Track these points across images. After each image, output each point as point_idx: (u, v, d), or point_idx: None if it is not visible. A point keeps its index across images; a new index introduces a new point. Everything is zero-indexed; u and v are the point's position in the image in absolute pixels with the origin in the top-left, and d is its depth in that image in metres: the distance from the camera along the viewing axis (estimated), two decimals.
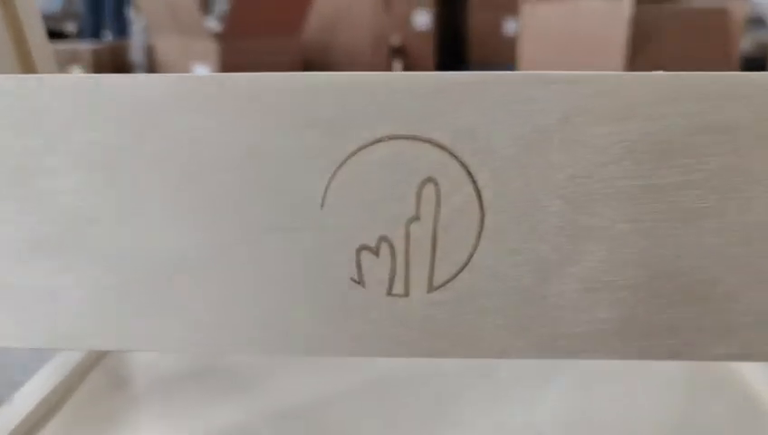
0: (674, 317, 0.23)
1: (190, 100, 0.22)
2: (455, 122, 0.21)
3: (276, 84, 0.22)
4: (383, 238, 0.23)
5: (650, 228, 0.22)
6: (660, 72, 0.21)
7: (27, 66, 0.40)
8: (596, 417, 0.42)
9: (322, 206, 0.22)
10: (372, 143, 0.22)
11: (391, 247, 0.23)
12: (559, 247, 0.22)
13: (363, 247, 0.23)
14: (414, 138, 0.22)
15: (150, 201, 0.23)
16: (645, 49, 1.96)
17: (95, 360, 0.48)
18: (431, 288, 0.23)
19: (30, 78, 0.22)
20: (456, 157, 0.22)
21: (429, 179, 0.22)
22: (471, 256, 0.22)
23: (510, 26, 2.91)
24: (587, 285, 0.22)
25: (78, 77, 0.22)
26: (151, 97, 0.22)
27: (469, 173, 0.22)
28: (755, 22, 2.36)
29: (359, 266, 0.23)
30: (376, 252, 0.23)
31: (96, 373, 0.47)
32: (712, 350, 0.23)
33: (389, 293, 0.23)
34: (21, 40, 0.39)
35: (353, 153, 0.22)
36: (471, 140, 0.22)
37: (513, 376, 0.46)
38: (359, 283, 0.23)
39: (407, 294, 0.23)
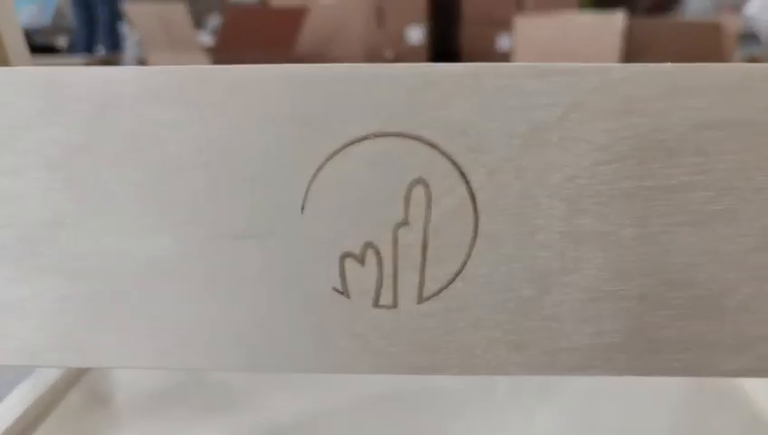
0: (684, 330, 0.21)
1: (160, 94, 0.20)
2: (446, 118, 0.20)
3: (253, 77, 0.20)
4: (369, 245, 0.21)
5: (658, 233, 0.20)
6: (669, 64, 0.19)
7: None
8: (595, 431, 0.41)
9: (303, 209, 0.21)
10: (357, 141, 0.20)
11: (378, 255, 0.21)
12: (560, 254, 0.21)
13: (347, 255, 0.21)
14: (402, 135, 0.20)
15: (116, 204, 0.21)
16: (638, 62, 1.96)
17: (76, 376, 0.47)
18: (421, 299, 0.21)
19: None
20: (447, 156, 0.20)
21: (419, 180, 0.20)
22: (464, 263, 0.21)
23: (504, 42, 2.92)
24: (590, 295, 0.21)
25: (40, 69, 0.21)
26: (119, 91, 0.20)
27: (462, 173, 0.20)
28: (748, 37, 2.38)
29: (342, 275, 0.21)
30: (361, 260, 0.21)
31: (77, 390, 0.46)
32: (726, 365, 0.21)
33: (376, 304, 0.21)
34: None
35: (336, 152, 0.20)
36: (464, 137, 0.20)
37: (511, 392, 0.45)
38: (342, 293, 0.21)
39: (395, 305, 0.21)
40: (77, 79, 0.21)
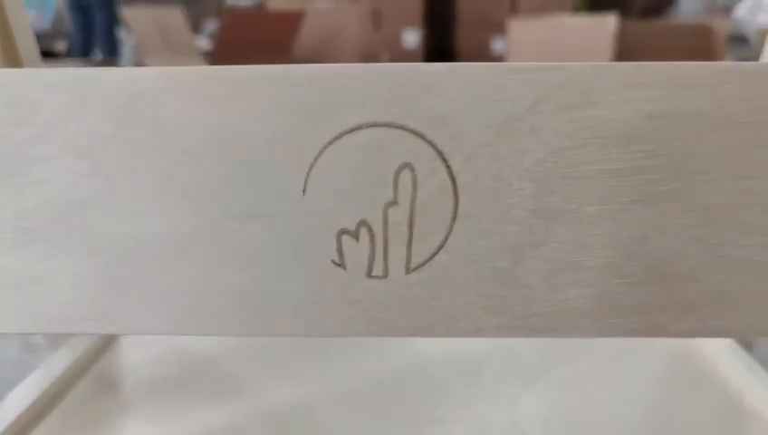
0: (639, 296, 0.24)
1: (177, 91, 0.23)
2: (429, 110, 0.23)
3: (259, 76, 0.23)
4: (362, 222, 0.24)
5: (615, 211, 0.23)
6: (622, 63, 0.22)
7: (12, 61, 0.41)
8: (577, 415, 0.43)
9: (304, 191, 0.23)
10: (351, 130, 0.23)
11: (370, 231, 0.24)
12: (530, 229, 0.23)
13: (343, 231, 0.24)
14: (391, 125, 0.23)
15: (137, 188, 0.24)
16: None
17: (85, 365, 0.49)
18: (409, 270, 0.24)
19: (28, 71, 0.24)
20: (431, 143, 0.23)
21: (406, 165, 0.23)
22: (446, 238, 0.24)
23: (498, 45, 2.95)
24: (557, 266, 0.24)
25: (71, 70, 0.23)
26: (140, 88, 0.23)
27: (444, 159, 0.23)
28: (738, 39, 2.41)
29: (339, 250, 0.24)
30: (356, 236, 0.24)
31: (86, 378, 0.48)
32: (675, 327, 0.24)
33: (369, 275, 0.24)
34: (6, 33, 0.40)
35: (333, 140, 0.23)
36: (444, 127, 0.23)
37: (496, 379, 0.47)
38: (340, 265, 0.24)
39: (385, 275, 0.24)
40: (105, 77, 0.23)
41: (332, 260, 0.24)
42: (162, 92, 0.23)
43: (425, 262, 0.24)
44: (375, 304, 0.24)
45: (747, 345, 0.51)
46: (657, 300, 0.24)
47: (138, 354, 0.52)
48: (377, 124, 0.23)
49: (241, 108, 0.23)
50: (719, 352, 0.49)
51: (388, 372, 0.48)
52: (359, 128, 0.23)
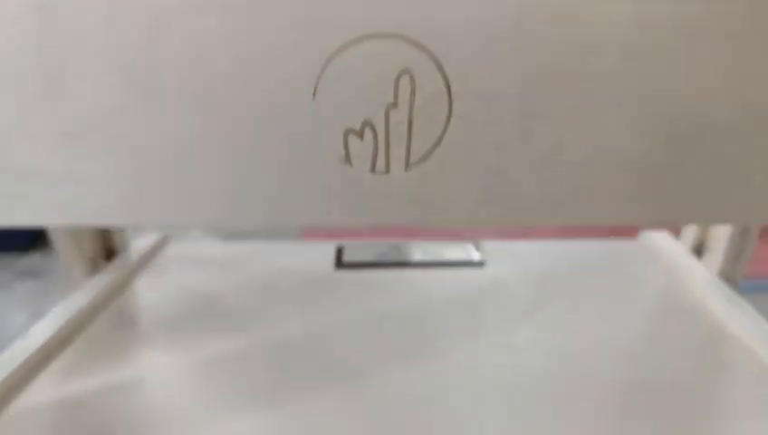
0: (613, 187, 0.26)
1: (195, 5, 0.25)
2: (426, 23, 0.25)
3: None
4: (366, 123, 0.26)
5: (591, 111, 0.26)
6: None
7: None
8: (571, 344, 0.45)
9: (314, 95, 0.26)
10: (357, 40, 0.25)
11: (373, 131, 0.26)
12: (516, 128, 0.26)
13: (349, 131, 0.26)
14: (392, 35, 0.25)
15: (163, 96, 0.26)
16: None
17: (101, 303, 0.52)
18: (408, 166, 0.27)
19: None
20: (427, 52, 0.25)
21: (405, 71, 0.26)
22: (441, 136, 0.26)
23: None
24: (540, 162, 0.26)
25: None
26: (162, 4, 0.26)
27: (439, 65, 0.25)
28: None
29: (346, 147, 0.26)
30: (360, 135, 0.26)
31: (102, 315, 0.51)
32: (645, 216, 0.26)
33: (373, 170, 0.27)
34: None
35: (341, 49, 0.25)
36: (440, 38, 0.25)
37: (494, 312, 0.50)
38: (346, 162, 0.27)
39: (387, 170, 0.27)
40: None
41: (339, 157, 0.27)
42: (180, 8, 0.25)
43: (422, 159, 0.26)
44: (377, 196, 0.27)
45: (732, 282, 0.54)
46: (630, 190, 0.26)
47: (151, 294, 0.55)
48: (379, 35, 0.25)
49: (256, 22, 0.25)
50: (705, 288, 0.52)
51: (391, 308, 0.51)
52: (363, 37, 0.25)
